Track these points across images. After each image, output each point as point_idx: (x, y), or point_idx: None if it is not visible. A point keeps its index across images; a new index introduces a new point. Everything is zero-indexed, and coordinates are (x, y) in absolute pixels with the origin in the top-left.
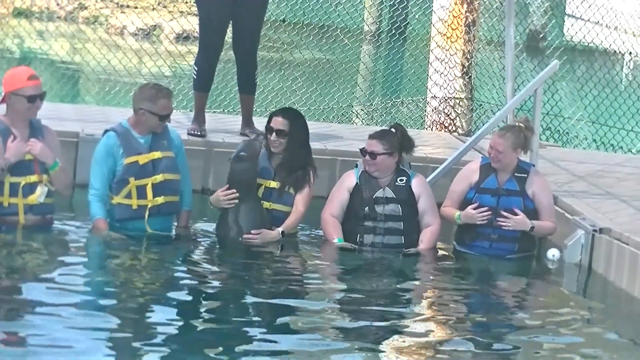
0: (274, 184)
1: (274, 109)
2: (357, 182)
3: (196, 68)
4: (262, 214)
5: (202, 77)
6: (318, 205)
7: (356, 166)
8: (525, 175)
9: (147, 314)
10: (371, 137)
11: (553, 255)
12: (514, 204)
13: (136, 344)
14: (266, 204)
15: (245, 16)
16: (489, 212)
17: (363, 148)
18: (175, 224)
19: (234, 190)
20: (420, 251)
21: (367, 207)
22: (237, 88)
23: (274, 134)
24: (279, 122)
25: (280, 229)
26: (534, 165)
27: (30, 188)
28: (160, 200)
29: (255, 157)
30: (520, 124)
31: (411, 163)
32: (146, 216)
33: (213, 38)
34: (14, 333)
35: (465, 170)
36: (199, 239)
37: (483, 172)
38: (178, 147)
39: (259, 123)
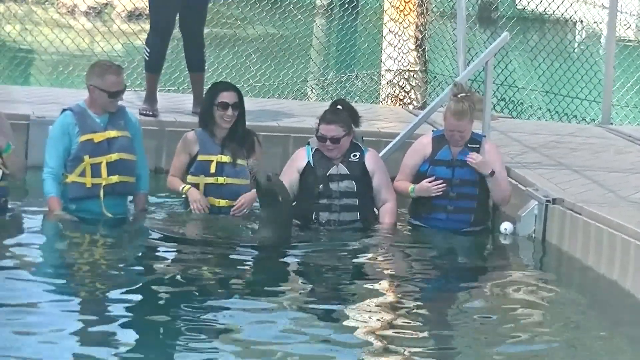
0: (225, 158)
1: None
2: (308, 161)
3: (148, 49)
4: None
5: (154, 58)
6: None
7: (308, 144)
8: (478, 146)
9: (104, 299)
10: (327, 122)
11: (505, 229)
12: (468, 175)
13: (91, 330)
14: (221, 179)
15: None
16: (444, 184)
17: (320, 134)
18: (132, 206)
19: None
20: (381, 228)
21: (321, 185)
22: (187, 66)
23: (230, 108)
24: (232, 97)
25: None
26: (484, 136)
27: None
28: (114, 179)
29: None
30: (462, 94)
31: (364, 138)
32: (101, 195)
33: (165, 18)
34: None
35: (417, 144)
36: (156, 222)
37: (436, 144)
38: (136, 129)
39: None
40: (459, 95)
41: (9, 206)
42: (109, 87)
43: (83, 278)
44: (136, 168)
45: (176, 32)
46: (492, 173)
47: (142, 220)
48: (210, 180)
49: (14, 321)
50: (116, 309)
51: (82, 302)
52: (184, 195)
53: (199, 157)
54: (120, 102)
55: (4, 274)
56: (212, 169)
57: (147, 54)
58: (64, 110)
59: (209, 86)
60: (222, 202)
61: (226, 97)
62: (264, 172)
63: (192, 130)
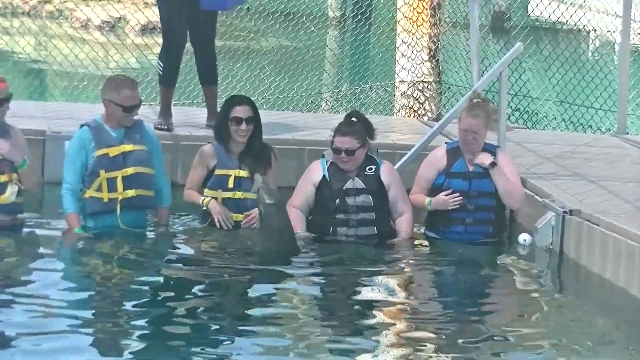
0: (243, 173)
1: None
2: (324, 175)
3: (161, 63)
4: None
5: (168, 72)
6: (287, 196)
7: (323, 156)
8: (493, 157)
9: (122, 320)
10: (342, 134)
11: (524, 240)
12: (485, 186)
13: (108, 352)
14: (238, 194)
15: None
16: (460, 197)
17: (335, 146)
18: (153, 220)
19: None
20: (399, 241)
21: (337, 200)
22: (199, 80)
23: (244, 123)
24: (246, 111)
25: None
26: (499, 147)
27: (1, 188)
28: (131, 193)
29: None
30: (477, 99)
31: (379, 150)
32: (118, 210)
33: (177, 32)
34: None
35: (432, 156)
36: (178, 236)
37: (450, 156)
38: (153, 143)
39: None
40: (474, 100)
41: (26, 223)
42: (124, 102)
43: (100, 298)
44: (154, 181)
45: (189, 45)
46: (493, 164)
47: (161, 237)
48: (228, 194)
49: (29, 342)
50: (133, 329)
51: (99, 323)
52: (204, 208)
53: (217, 172)
54: (135, 117)
55: (21, 291)
56: (231, 184)
57: (161, 68)
58: (82, 125)
59: (224, 100)
60: (240, 217)
61: (239, 111)
62: (260, 185)
63: (209, 143)
